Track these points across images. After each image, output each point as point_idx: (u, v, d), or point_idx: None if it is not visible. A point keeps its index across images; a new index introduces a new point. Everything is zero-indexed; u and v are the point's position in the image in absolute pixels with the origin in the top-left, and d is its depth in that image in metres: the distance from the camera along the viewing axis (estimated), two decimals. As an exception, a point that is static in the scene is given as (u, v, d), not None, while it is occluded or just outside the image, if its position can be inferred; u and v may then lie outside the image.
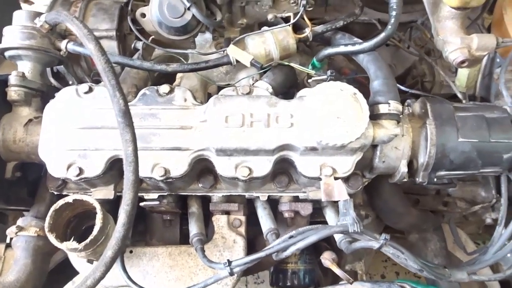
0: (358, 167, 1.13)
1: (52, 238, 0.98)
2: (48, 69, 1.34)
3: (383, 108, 1.03)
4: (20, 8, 1.69)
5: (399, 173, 1.10)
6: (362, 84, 1.35)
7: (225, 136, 1.01)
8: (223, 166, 1.04)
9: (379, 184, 1.40)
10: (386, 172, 1.14)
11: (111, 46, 1.30)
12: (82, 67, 1.36)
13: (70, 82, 1.35)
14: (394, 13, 1.13)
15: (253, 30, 1.35)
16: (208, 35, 1.32)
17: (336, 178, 1.04)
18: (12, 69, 1.59)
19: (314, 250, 1.69)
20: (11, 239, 1.45)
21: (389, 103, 1.02)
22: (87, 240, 0.98)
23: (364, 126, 0.95)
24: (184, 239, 1.27)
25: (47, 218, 0.98)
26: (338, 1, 1.63)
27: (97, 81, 1.30)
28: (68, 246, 0.98)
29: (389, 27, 1.12)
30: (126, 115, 0.91)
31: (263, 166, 1.04)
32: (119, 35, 1.31)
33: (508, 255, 1.33)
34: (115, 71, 0.94)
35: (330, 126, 0.96)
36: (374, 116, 1.04)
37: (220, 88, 1.35)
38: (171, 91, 1.10)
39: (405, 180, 1.13)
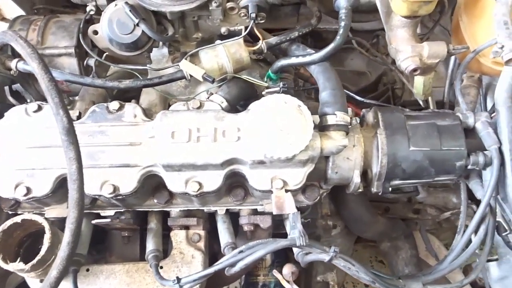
0: (314, 178, 1.12)
1: (-2, 259, 0.97)
2: (7, 88, 1.33)
3: (330, 119, 1.03)
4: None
5: (353, 183, 1.10)
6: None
7: (171, 151, 1.00)
8: (173, 182, 1.04)
9: (344, 193, 1.39)
10: (341, 182, 1.13)
11: (71, 63, 1.31)
12: (43, 85, 1.35)
13: (28, 101, 1.35)
14: (342, 23, 1.14)
15: (210, 44, 1.36)
16: (164, 50, 1.33)
17: (287, 191, 1.04)
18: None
19: (286, 261, 1.68)
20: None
21: (336, 114, 1.02)
22: (34, 261, 0.98)
23: (308, 138, 0.95)
24: (144, 255, 1.26)
25: (-6, 240, 0.98)
26: (309, 11, 1.64)
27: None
28: (15, 267, 0.97)
29: (338, 37, 1.13)
30: (70, 132, 0.90)
31: (213, 180, 1.04)
32: (79, 52, 1.31)
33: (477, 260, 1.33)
34: (59, 90, 0.94)
35: (274, 139, 0.95)
36: (323, 128, 1.04)
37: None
38: (121, 107, 1.10)
39: (360, 190, 1.13)
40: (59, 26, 1.35)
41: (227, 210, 1.20)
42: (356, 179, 1.09)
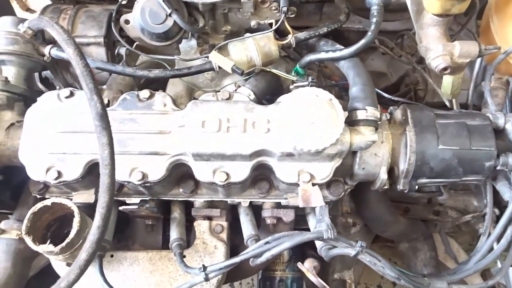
0: (339, 174, 1.12)
1: (28, 240, 0.98)
2: (36, 74, 1.36)
3: (360, 114, 1.03)
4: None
5: (379, 180, 1.10)
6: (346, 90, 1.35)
7: (201, 140, 1.01)
8: (201, 171, 1.05)
9: (366, 192, 1.39)
10: (367, 179, 1.13)
11: (99, 52, 1.32)
12: (71, 73, 1.37)
13: (58, 87, 1.37)
14: (374, 19, 1.13)
15: (239, 37, 1.36)
16: (193, 42, 1.33)
17: (314, 184, 1.04)
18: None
19: (303, 258, 1.68)
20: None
21: (366, 109, 1.02)
22: (63, 243, 0.99)
23: (339, 131, 0.95)
24: (167, 245, 1.27)
25: (25, 221, 0.99)
26: (332, 9, 1.64)
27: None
28: (44, 249, 0.98)
29: (369, 34, 1.13)
30: (103, 118, 0.91)
31: (241, 171, 1.04)
32: (108, 42, 1.33)
33: (498, 263, 1.31)
34: (94, 75, 0.95)
35: (305, 131, 0.95)
36: (352, 122, 1.04)
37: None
38: (151, 96, 1.11)
39: (386, 187, 1.12)
40: (88, 16, 1.36)
41: (250, 202, 1.21)
42: (383, 175, 1.09)
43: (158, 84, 1.36)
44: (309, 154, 0.98)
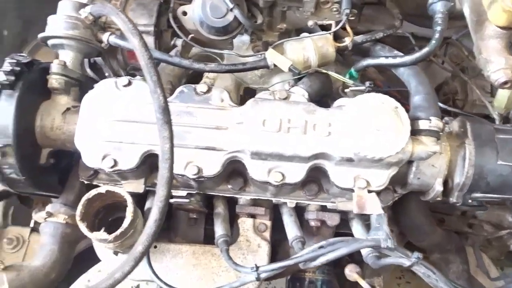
0: (390, 182, 1.11)
1: (83, 227, 0.98)
2: (86, 60, 1.35)
3: (423, 124, 1.01)
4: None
5: (434, 191, 1.08)
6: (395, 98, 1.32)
7: (261, 139, 1.00)
8: (256, 170, 1.04)
9: (407, 199, 1.38)
10: (419, 189, 1.12)
11: (148, 41, 1.30)
12: (118, 60, 1.37)
13: (107, 74, 1.36)
14: (439, 28, 1.12)
15: (290, 36, 1.35)
16: (245, 37, 1.32)
17: (369, 191, 1.03)
18: (47, 58, 1.62)
19: (336, 262, 1.67)
20: (35, 223, 1.47)
21: (430, 119, 1.00)
22: (117, 232, 0.99)
23: (405, 140, 0.94)
24: (208, 239, 1.27)
25: (79, 207, 0.99)
26: (372, 12, 1.61)
27: (133, 74, 1.31)
28: (98, 237, 0.98)
29: (433, 42, 1.11)
30: (166, 112, 0.91)
31: (296, 172, 1.03)
32: (156, 31, 1.32)
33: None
34: (157, 68, 0.95)
35: (370, 138, 0.94)
36: (414, 132, 1.02)
37: (251, 89, 1.35)
38: (209, 90, 1.10)
39: (439, 199, 1.11)
40: (139, 4, 1.35)
41: (296, 203, 1.20)
42: (438, 187, 1.07)
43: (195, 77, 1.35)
44: (370, 161, 0.97)
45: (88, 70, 1.38)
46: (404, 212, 1.45)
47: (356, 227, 1.22)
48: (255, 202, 1.23)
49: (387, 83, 1.57)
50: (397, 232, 1.60)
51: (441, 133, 1.03)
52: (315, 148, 1.00)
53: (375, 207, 0.98)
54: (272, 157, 1.02)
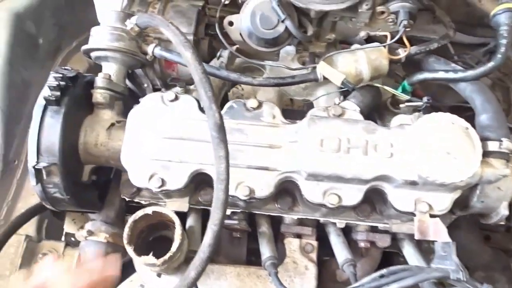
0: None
1: (131, 251, 0.94)
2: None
3: (492, 146, 0.95)
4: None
5: (498, 215, 1.02)
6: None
7: (319, 160, 0.95)
8: (311, 191, 0.98)
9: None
10: (482, 212, 1.06)
11: (187, 50, 1.27)
12: (155, 70, 1.32)
13: (145, 85, 1.32)
14: (504, 41, 1.05)
15: (336, 47, 1.29)
16: (291, 48, 1.26)
17: (431, 216, 0.97)
18: (79, 65, 1.58)
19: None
20: (66, 235, 1.43)
21: (501, 141, 0.94)
22: (166, 257, 0.94)
23: (477, 165, 0.87)
24: (249, 258, 1.22)
25: (126, 229, 0.95)
26: (422, 20, 1.54)
27: (172, 85, 1.27)
28: (146, 261, 0.94)
29: (499, 56, 1.04)
30: (221, 130, 0.87)
31: (353, 195, 0.98)
32: (195, 39, 1.27)
33: None
34: (211, 82, 0.90)
35: (439, 161, 0.88)
36: (482, 153, 0.96)
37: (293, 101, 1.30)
38: (259, 106, 1.05)
39: (502, 223, 1.04)
40: (177, 11, 1.31)
41: (346, 224, 1.14)
42: (504, 211, 1.01)
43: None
44: (436, 185, 0.91)
45: (127, 81, 1.33)
46: (453, 230, 1.38)
47: (408, 250, 1.16)
48: (301, 221, 1.17)
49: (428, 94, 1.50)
50: (442, 250, 1.54)
51: (511, 155, 0.97)
52: (376, 170, 0.94)
53: (441, 234, 0.92)
54: (329, 179, 0.96)
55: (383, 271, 0.94)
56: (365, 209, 1.10)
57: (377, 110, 1.25)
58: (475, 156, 0.88)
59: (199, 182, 1.07)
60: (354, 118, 1.02)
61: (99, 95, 1.04)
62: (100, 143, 1.04)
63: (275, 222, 1.18)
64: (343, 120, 0.99)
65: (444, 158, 0.88)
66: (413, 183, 0.94)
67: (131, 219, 0.96)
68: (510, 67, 1.72)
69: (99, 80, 1.05)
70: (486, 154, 0.96)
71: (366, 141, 0.95)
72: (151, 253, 0.93)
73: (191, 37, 1.25)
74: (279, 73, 1.20)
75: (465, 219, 1.29)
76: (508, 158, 0.96)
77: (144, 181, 0.99)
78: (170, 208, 1.09)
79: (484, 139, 0.96)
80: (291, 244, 1.16)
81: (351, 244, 1.20)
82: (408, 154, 0.91)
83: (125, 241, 0.93)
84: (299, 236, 1.17)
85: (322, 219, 1.14)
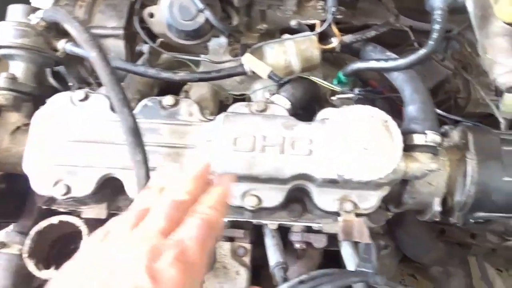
0: (383, 200, 0.99)
1: (30, 264, 0.87)
2: (48, 69, 1.23)
3: (418, 139, 0.89)
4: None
5: (431, 212, 0.96)
6: (394, 102, 1.19)
7: (232, 160, 0.88)
8: (229, 193, 0.91)
9: (403, 213, 1.26)
10: (415, 208, 1.00)
11: (118, 45, 1.19)
12: (86, 67, 1.24)
13: (70, 84, 1.24)
14: (437, 26, 0.98)
15: (273, 37, 1.22)
16: (223, 40, 1.19)
17: (357, 215, 0.91)
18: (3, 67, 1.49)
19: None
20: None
21: (426, 134, 0.88)
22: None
23: (396, 161, 0.81)
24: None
25: (27, 241, 0.88)
26: (368, 5, 1.48)
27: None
28: (48, 276, 0.87)
29: (431, 42, 0.98)
30: (136, 133, 0.83)
31: (274, 196, 0.91)
32: (127, 34, 1.19)
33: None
34: (120, 83, 0.84)
35: (356, 158, 0.82)
36: (408, 147, 0.89)
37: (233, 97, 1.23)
38: (176, 103, 0.97)
39: (437, 219, 0.99)
40: (108, 4, 1.23)
41: (279, 225, 1.08)
42: (436, 207, 0.95)
43: (179, 84, 1.23)
44: (357, 183, 0.85)
45: (51, 80, 1.25)
46: (401, 227, 1.33)
47: (345, 249, 1.08)
48: (233, 224, 1.10)
49: (384, 83, 1.44)
50: (393, 247, 1.49)
51: (439, 148, 0.90)
52: (294, 169, 0.87)
53: (363, 235, 0.86)
54: (245, 179, 0.89)
55: (303, 277, 0.88)
56: (296, 209, 1.03)
57: (319, 103, 1.18)
58: (394, 151, 0.81)
59: (119, 187, 1.01)
60: (277, 113, 0.95)
61: (1, 97, 0.96)
62: (5, 149, 0.97)
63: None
64: (261, 116, 0.92)
65: (361, 154, 0.81)
66: (333, 182, 0.87)
67: (33, 230, 0.89)
68: (468, 57, 1.66)
69: (1, 81, 0.97)
70: (411, 148, 0.90)
71: (283, 138, 0.88)
72: (52, 268, 0.86)
73: (120, 32, 1.18)
74: (213, 68, 1.13)
75: (411, 216, 1.24)
76: (435, 152, 0.90)
77: (47, 188, 0.91)
78: (86, 215, 1.02)
79: (410, 132, 0.90)
80: (222, 248, 1.09)
81: (288, 245, 1.15)
82: (327, 151, 0.85)
83: (24, 254, 0.86)
84: (231, 239, 1.11)
85: (254, 221, 1.07)
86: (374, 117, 0.84)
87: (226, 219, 1.07)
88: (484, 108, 1.57)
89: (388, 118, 0.84)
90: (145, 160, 0.81)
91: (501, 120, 1.30)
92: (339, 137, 0.83)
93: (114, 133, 0.92)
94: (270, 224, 1.06)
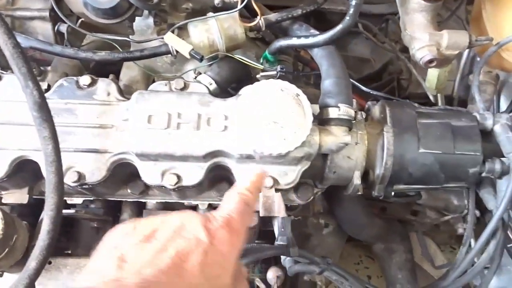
0: (308, 176, 1.00)
1: None
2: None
3: (332, 112, 0.90)
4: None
5: (352, 185, 0.98)
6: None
7: (146, 138, 0.87)
8: (148, 173, 0.91)
9: (339, 190, 1.28)
10: (339, 183, 1.01)
11: (45, 28, 1.16)
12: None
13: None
14: (353, 2, 0.99)
15: (202, 16, 1.21)
16: (150, 20, 1.17)
17: (277, 190, 0.91)
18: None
19: (273, 259, 1.58)
20: None
21: (338, 107, 0.89)
22: (-23, 260, 0.85)
23: (305, 134, 0.82)
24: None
25: None
26: None
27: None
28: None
29: (347, 18, 0.98)
30: (42, 108, 0.79)
31: (194, 173, 0.91)
32: (54, 16, 1.16)
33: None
34: (27, 57, 0.81)
35: (266, 132, 0.82)
36: (323, 121, 0.91)
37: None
38: (93, 83, 0.95)
39: (360, 193, 1.00)
40: (37, -16, 1.19)
41: (209, 204, 1.08)
42: (356, 181, 0.96)
43: (114, 67, 1.20)
44: (271, 157, 0.85)
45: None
46: (338, 205, 1.35)
47: (275, 227, 1.11)
48: (167, 205, 1.10)
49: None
50: (335, 225, 1.51)
51: (353, 121, 0.92)
52: (209, 146, 0.87)
53: (281, 209, 0.87)
54: (162, 157, 0.89)
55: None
56: (224, 188, 1.04)
57: (252, 83, 1.18)
58: (304, 124, 0.82)
59: (40, 170, 0.98)
60: (196, 91, 0.94)
61: None
62: None
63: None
64: (177, 93, 0.92)
65: (272, 128, 0.82)
66: (249, 157, 0.87)
67: None
68: (399, 35, 1.69)
69: None
70: (326, 121, 0.91)
71: (199, 115, 0.88)
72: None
73: (46, 13, 1.15)
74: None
75: (347, 195, 1.25)
76: (350, 125, 0.91)
77: (-44, 173, 0.88)
78: (6, 200, 1.00)
79: (325, 106, 0.91)
80: (152, 230, 1.08)
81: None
82: (241, 127, 0.85)
83: None
84: (164, 221, 1.10)
85: (185, 201, 1.07)
86: (284, 90, 0.84)
87: (155, 201, 1.07)
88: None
89: (299, 91, 0.85)
90: (53, 136, 0.78)
91: (430, 96, 1.33)
92: (250, 111, 0.83)
93: (26, 113, 0.89)
94: (200, 204, 1.06)
